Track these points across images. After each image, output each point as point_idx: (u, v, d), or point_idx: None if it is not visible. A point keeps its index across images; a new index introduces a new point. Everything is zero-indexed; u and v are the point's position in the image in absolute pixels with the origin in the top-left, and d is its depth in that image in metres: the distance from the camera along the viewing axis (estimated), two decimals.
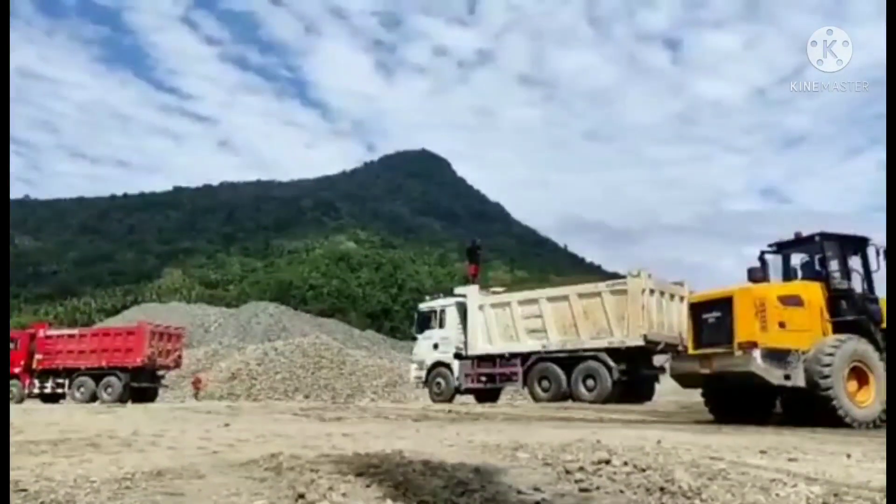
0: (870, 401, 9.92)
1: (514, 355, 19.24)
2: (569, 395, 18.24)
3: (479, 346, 20.01)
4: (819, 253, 11.25)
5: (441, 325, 21.19)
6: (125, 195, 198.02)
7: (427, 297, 23.47)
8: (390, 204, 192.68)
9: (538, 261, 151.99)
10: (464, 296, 21.03)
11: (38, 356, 25.29)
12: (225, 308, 66.41)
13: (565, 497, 3.09)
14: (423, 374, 21.48)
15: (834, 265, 10.99)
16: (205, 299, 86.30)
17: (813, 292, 10.69)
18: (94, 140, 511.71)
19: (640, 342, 17.34)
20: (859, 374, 10.04)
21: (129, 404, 20.75)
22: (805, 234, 11.42)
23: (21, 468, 3.63)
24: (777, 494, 3.18)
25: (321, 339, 35.56)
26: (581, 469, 3.60)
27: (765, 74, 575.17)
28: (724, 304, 10.76)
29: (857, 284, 11.06)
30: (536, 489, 3.22)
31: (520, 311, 19.40)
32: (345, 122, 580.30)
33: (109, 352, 24.54)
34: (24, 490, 2.99)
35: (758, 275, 11.39)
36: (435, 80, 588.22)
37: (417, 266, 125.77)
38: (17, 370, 25.32)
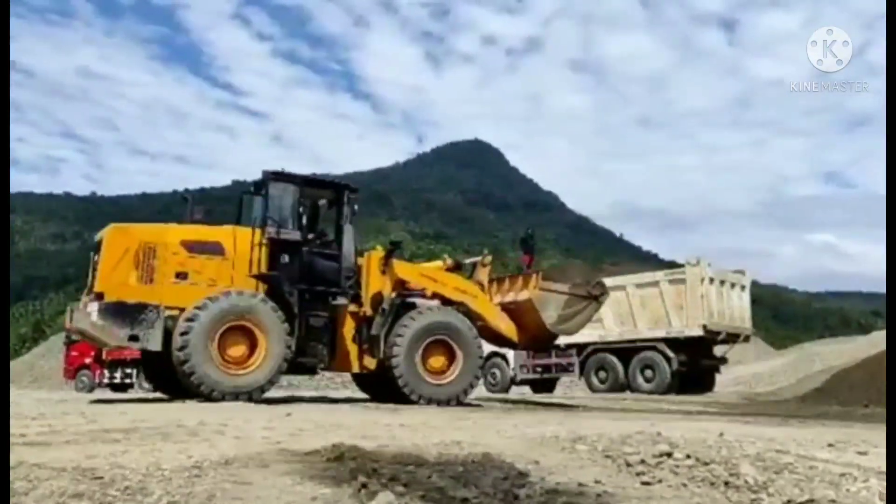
0: (252, 367, 8.79)
1: (570, 346, 19.10)
2: (626, 386, 18.08)
3: None
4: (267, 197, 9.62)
5: None
6: (186, 190, 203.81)
7: None
8: (443, 195, 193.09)
9: (593, 250, 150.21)
10: None
11: None
12: None
13: (627, 490, 3.06)
14: None
15: (276, 211, 9.47)
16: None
17: (243, 240, 9.28)
18: (153, 136, 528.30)
19: (700, 332, 17.07)
20: (250, 336, 8.82)
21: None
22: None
23: (95, 456, 3.76)
24: (847, 490, 3.08)
25: None
26: (642, 462, 3.55)
27: None
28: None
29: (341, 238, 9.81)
30: (597, 482, 3.19)
31: None
32: (394, 113, 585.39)
33: None
34: (100, 478, 3.10)
35: (197, 216, 9.97)
36: (484, 70, 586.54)
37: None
38: (87, 361, 26.43)
